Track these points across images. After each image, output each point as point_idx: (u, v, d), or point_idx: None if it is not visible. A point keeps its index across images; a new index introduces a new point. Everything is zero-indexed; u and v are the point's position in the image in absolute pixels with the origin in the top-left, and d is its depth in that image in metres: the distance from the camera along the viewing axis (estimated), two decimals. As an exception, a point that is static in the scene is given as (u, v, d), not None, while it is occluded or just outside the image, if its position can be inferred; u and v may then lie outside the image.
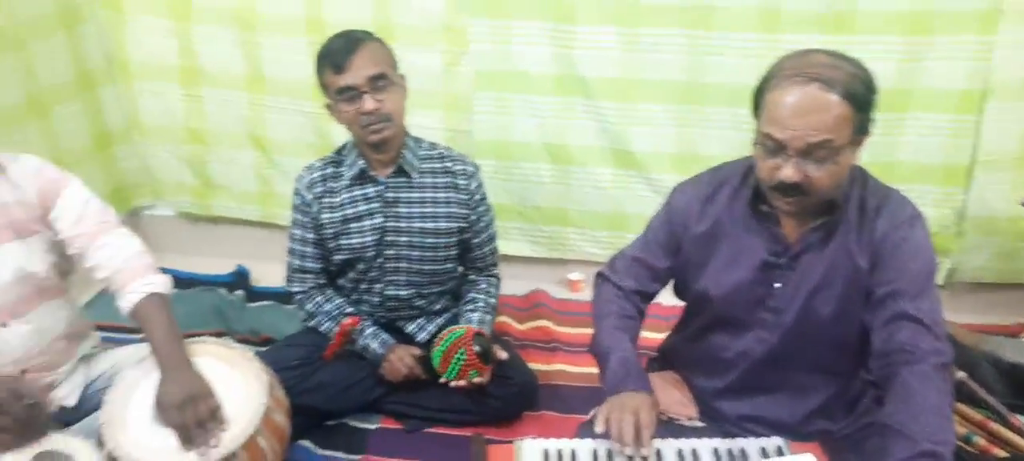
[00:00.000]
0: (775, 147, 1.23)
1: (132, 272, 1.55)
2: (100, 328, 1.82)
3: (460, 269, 2.10)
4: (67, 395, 1.63)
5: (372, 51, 1.75)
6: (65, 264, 1.63)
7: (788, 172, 1.22)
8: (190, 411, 1.41)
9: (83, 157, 2.54)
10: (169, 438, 1.41)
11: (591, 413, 1.56)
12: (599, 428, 1.30)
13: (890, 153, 2.29)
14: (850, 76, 1.20)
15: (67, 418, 1.60)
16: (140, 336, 1.55)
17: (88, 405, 1.64)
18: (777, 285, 1.38)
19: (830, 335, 1.38)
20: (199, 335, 1.76)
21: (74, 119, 2.54)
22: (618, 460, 1.29)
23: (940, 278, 2.39)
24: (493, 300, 2.05)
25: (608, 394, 1.38)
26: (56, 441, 1.36)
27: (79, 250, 1.57)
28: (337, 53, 1.73)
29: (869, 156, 2.21)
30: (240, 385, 1.51)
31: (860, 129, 1.24)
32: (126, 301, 1.54)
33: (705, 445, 1.33)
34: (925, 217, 1.34)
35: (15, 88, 2.27)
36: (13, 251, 1.50)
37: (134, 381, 1.50)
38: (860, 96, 1.21)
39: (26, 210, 1.52)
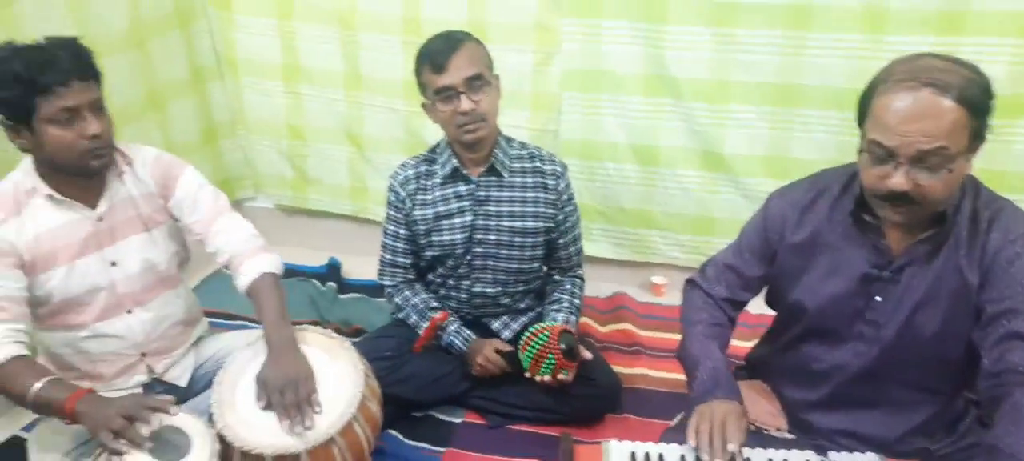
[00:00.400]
0: (884, 155, 1.19)
1: (246, 253, 1.66)
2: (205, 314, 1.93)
3: (545, 269, 2.13)
4: (180, 376, 1.75)
5: (471, 52, 1.79)
6: (184, 253, 1.75)
7: (898, 180, 1.18)
8: (290, 393, 1.47)
9: (192, 150, 2.70)
10: (274, 420, 1.48)
11: (677, 418, 1.56)
12: (691, 441, 1.29)
13: (1001, 161, 2.17)
14: (966, 80, 1.15)
15: (178, 397, 1.71)
16: (242, 321, 1.63)
17: (198, 385, 1.76)
18: (878, 298, 1.34)
19: (933, 353, 1.32)
20: (296, 324, 1.85)
21: (186, 114, 2.71)
22: None
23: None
24: (578, 301, 2.07)
25: (695, 403, 1.37)
26: (172, 418, 1.44)
27: (199, 235, 1.69)
28: (437, 54, 1.77)
29: (979, 163, 2.12)
30: (339, 373, 1.57)
31: (976, 136, 1.18)
32: (241, 280, 1.64)
33: (796, 457, 1.30)
34: None
35: (137, 84, 2.44)
36: (141, 242, 1.62)
37: (243, 364, 1.58)
38: (976, 101, 1.15)
39: (150, 202, 1.64)
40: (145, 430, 1.37)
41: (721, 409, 1.31)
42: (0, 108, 1.42)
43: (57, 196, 1.52)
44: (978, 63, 1.20)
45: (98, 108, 1.48)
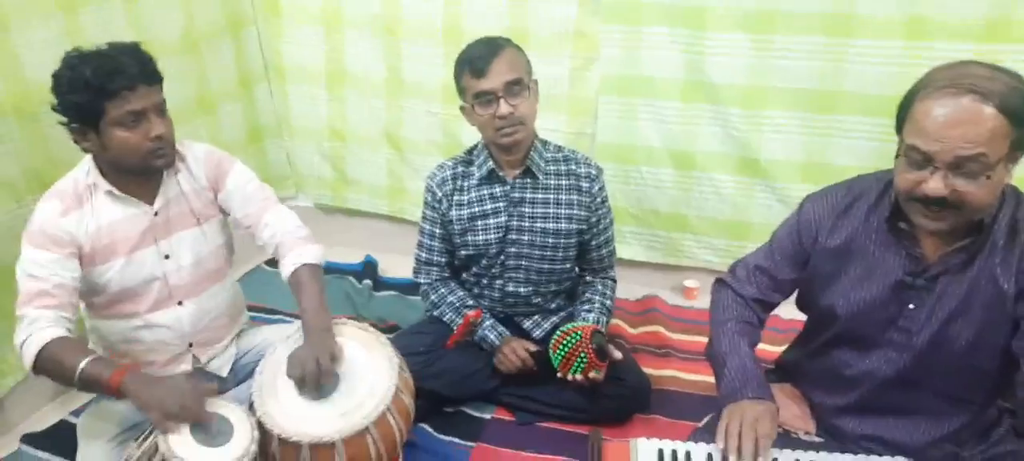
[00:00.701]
0: (921, 160, 1.19)
1: (291, 244, 1.73)
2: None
3: (577, 270, 2.15)
4: (222, 366, 1.82)
5: (510, 58, 1.83)
6: (230, 247, 1.81)
7: (934, 185, 1.17)
8: (310, 365, 1.51)
9: (238, 150, 2.76)
10: (312, 409, 1.53)
11: (705, 419, 1.57)
12: (720, 442, 1.30)
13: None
14: (1008, 89, 1.14)
15: (220, 387, 1.76)
16: (281, 315, 1.66)
17: (238, 376, 1.83)
18: (911, 306, 1.33)
19: (965, 363, 1.31)
20: (334, 319, 1.90)
21: (234, 116, 2.80)
22: None
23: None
24: (609, 302, 2.09)
25: (724, 401, 1.38)
26: (215, 406, 1.49)
27: (249, 228, 1.75)
28: (478, 59, 1.81)
29: (1021, 173, 2.05)
30: (374, 366, 1.61)
31: (1017, 146, 1.17)
32: (285, 269, 1.70)
33: (824, 460, 1.31)
34: None
35: (190, 87, 2.54)
36: (193, 236, 1.69)
37: (282, 356, 1.62)
38: (1018, 110, 1.14)
39: (201, 196, 1.70)
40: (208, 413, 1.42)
41: (753, 410, 1.31)
42: (70, 111, 1.49)
43: (117, 192, 1.59)
44: (1021, 72, 1.20)
45: (161, 111, 1.55)
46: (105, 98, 1.46)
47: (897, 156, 1.26)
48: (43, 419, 2.10)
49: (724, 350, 1.45)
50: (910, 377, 1.36)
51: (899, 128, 1.26)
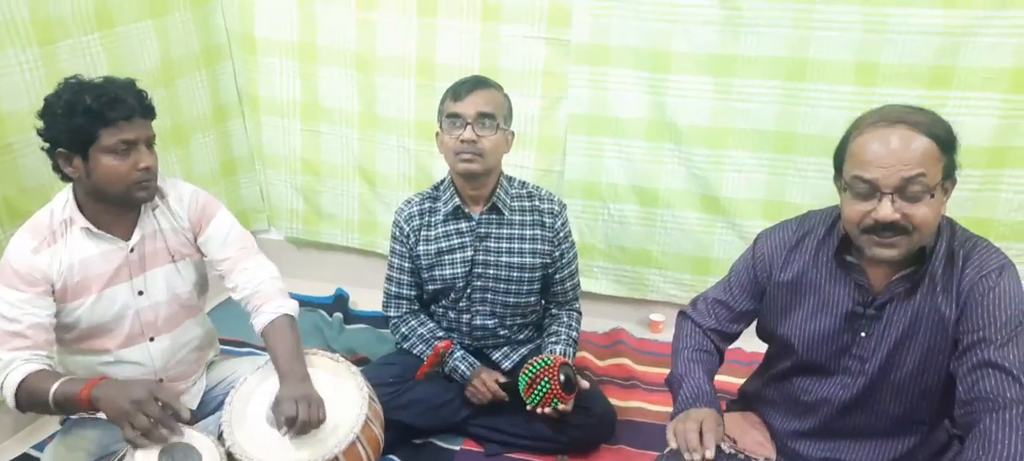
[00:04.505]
0: (867, 189, 1.26)
1: (266, 295, 1.72)
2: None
3: (543, 302, 2.20)
4: (191, 400, 1.80)
5: (492, 95, 1.90)
6: (203, 283, 1.81)
7: (885, 210, 1.25)
8: (302, 408, 1.52)
9: (211, 182, 2.80)
10: (281, 439, 1.54)
11: (668, 447, 1.61)
12: (671, 442, 1.35)
13: (987, 210, 2.24)
14: (931, 120, 1.26)
15: (188, 419, 1.76)
16: (250, 348, 1.65)
17: (207, 408, 1.82)
18: (862, 334, 1.40)
19: (915, 384, 1.38)
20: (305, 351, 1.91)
21: (208, 148, 2.81)
22: None
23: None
24: (575, 334, 2.13)
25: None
26: (184, 436, 1.49)
27: (224, 271, 1.75)
28: (461, 85, 1.90)
29: (966, 212, 2.15)
30: (344, 395, 1.63)
31: (947, 173, 1.27)
32: (259, 321, 1.70)
33: (780, 485, 1.36)
34: (1016, 267, 1.33)
35: (164, 118, 2.51)
36: (167, 273, 1.69)
37: (254, 385, 1.65)
38: (944, 138, 1.25)
39: (179, 235, 1.70)
40: (172, 434, 1.44)
41: (697, 414, 1.38)
42: (62, 136, 1.50)
43: (93, 229, 1.58)
44: (964, 116, 1.31)
45: (151, 144, 1.58)
46: (102, 124, 1.48)
47: (842, 192, 1.33)
48: (5, 453, 2.06)
49: (680, 374, 1.52)
50: (865, 401, 1.43)
51: (838, 171, 1.34)
